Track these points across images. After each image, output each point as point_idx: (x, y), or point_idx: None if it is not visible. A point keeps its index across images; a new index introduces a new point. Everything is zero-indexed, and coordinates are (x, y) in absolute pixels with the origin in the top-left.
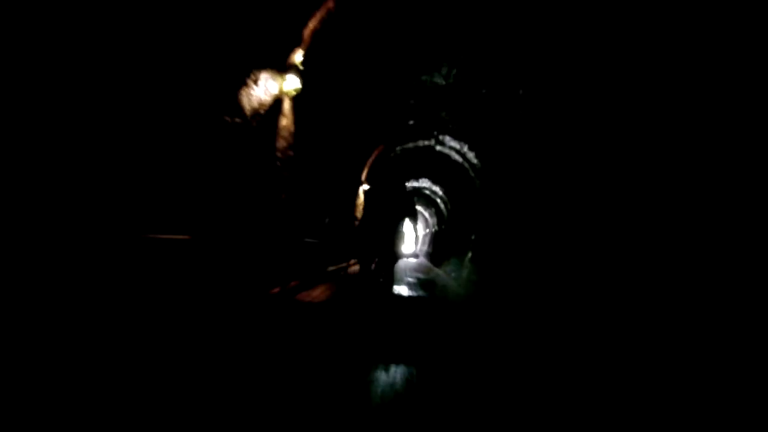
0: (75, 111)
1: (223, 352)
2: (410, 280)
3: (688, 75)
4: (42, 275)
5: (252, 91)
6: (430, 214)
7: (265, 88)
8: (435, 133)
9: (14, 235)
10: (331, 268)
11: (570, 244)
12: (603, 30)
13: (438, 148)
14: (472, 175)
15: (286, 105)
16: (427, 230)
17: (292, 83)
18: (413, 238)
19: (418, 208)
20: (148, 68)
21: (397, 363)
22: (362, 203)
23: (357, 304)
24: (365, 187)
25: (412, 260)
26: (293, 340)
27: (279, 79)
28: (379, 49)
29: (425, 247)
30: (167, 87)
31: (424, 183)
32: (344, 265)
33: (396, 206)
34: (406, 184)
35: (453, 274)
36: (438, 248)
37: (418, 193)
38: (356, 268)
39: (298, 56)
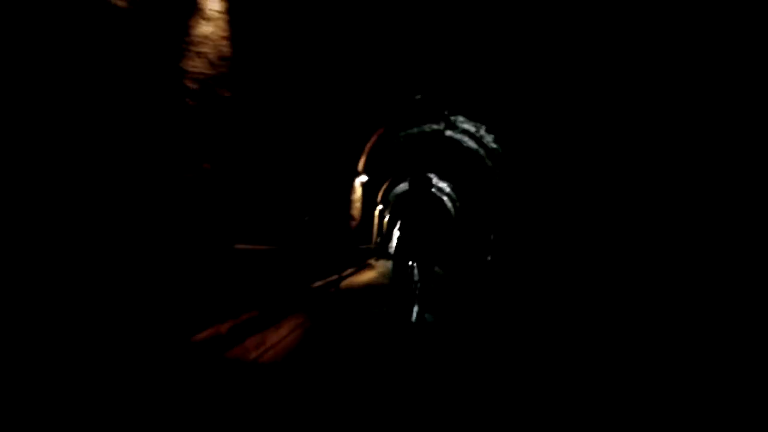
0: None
1: None
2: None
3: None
4: (173, 275)
5: None
6: None
7: None
8: (445, 113)
9: (159, 249)
10: (317, 284)
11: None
12: None
13: (448, 133)
14: (490, 164)
15: (213, 4)
16: None
17: None
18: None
19: None
20: None
21: None
22: (359, 199)
23: (347, 357)
24: (363, 178)
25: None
26: None
27: None
28: None
29: None
30: None
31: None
32: (335, 278)
33: (432, 210)
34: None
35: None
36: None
37: None
38: (354, 279)
39: None
